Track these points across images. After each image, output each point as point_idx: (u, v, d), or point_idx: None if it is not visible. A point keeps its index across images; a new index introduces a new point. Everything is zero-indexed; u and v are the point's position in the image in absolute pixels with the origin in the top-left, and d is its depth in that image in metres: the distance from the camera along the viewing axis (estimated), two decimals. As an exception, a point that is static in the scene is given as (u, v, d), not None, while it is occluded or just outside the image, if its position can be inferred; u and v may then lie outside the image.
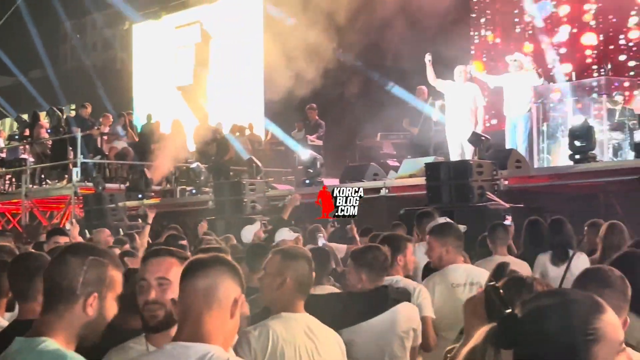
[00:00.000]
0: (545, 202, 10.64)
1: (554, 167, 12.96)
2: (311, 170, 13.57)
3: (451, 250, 5.28)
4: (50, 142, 19.00)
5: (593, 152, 10.82)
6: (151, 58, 26.09)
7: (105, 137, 18.82)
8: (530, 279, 2.86)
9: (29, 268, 3.50)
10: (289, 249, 3.98)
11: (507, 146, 12.78)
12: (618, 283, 3.15)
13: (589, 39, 18.31)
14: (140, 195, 15.65)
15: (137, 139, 19.31)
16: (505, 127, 13.20)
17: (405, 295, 4.58)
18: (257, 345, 3.50)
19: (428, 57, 12.98)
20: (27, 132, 19.87)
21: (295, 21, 15.90)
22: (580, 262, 6.40)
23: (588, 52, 18.32)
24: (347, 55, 16.39)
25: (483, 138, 11.25)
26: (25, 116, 21.93)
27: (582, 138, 10.76)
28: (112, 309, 2.62)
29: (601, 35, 18.16)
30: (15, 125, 23.54)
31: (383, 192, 12.15)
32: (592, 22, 18.27)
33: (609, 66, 17.70)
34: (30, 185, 18.41)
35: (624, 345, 1.74)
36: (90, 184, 16.25)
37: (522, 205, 10.08)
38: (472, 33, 20.41)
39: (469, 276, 5.20)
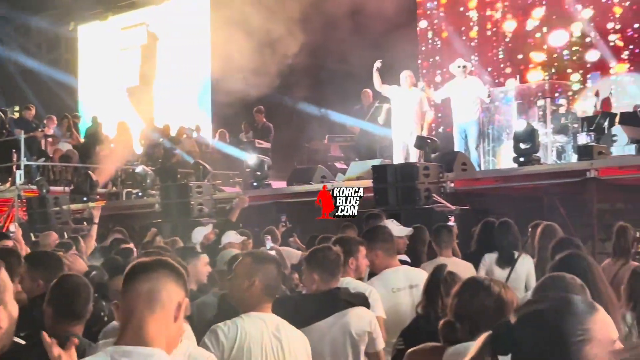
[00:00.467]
0: (490, 203, 10.71)
1: (499, 170, 13.12)
2: (259, 173, 13.52)
3: (381, 254, 5.28)
4: (-8, 144, 18.61)
5: (537, 154, 10.96)
6: (97, 59, 25.81)
7: (49, 140, 18.54)
8: (487, 281, 3.04)
9: None
10: (259, 253, 4.28)
11: (456, 149, 12.86)
12: (579, 290, 3.19)
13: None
14: (85, 198, 15.40)
15: (81, 141, 19.04)
16: (453, 130, 13.25)
17: (361, 300, 4.55)
18: (226, 340, 3.69)
19: (377, 64, 13.02)
20: (-32, 134, 19.45)
21: (243, 24, 15.83)
22: (525, 263, 6.51)
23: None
24: (295, 57, 16.36)
25: (429, 140, 11.33)
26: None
27: (526, 141, 10.88)
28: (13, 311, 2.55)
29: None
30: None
31: (331, 194, 12.13)
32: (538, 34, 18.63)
33: (553, 70, 18.04)
34: (-27, 188, 18.00)
35: (617, 342, 1.78)
36: (34, 187, 15.97)
37: (468, 207, 10.16)
38: (418, 38, 20.57)
39: (409, 279, 5.20)
